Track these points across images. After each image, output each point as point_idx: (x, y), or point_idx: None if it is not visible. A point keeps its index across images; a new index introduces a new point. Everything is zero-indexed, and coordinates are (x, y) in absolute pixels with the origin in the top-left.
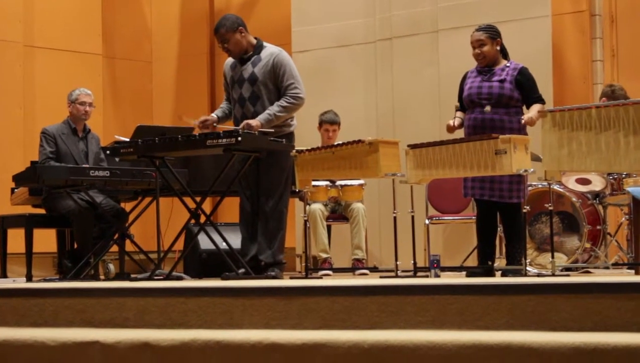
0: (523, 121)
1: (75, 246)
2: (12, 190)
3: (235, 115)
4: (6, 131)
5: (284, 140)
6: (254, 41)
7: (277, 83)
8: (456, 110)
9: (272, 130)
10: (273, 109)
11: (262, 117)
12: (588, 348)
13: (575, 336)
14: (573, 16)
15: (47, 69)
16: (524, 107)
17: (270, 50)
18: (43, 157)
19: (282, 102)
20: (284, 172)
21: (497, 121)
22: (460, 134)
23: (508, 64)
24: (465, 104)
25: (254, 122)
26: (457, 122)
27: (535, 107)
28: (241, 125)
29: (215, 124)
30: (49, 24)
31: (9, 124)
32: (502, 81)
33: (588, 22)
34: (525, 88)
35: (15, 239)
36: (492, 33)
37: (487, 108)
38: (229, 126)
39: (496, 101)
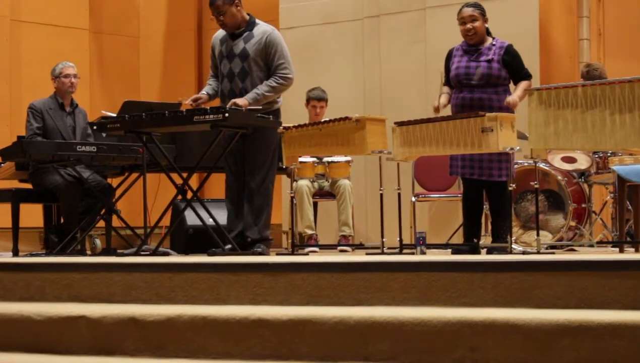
0: (505, 103)
1: (62, 221)
2: None
3: (223, 90)
4: None
5: (271, 116)
6: (247, 17)
7: (267, 61)
8: (442, 85)
9: (260, 107)
10: (261, 89)
11: (250, 96)
12: (572, 325)
13: (560, 313)
14: None
15: (34, 43)
16: (512, 84)
17: (263, 28)
18: (30, 132)
19: (271, 82)
20: (270, 149)
21: (485, 100)
22: (447, 111)
23: (494, 43)
24: (453, 83)
25: (241, 101)
26: (443, 99)
27: (522, 85)
28: (228, 104)
29: (192, 103)
30: None
31: None
32: (489, 61)
33: (575, 0)
34: (513, 66)
35: (2, 214)
36: (482, 10)
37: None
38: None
39: (485, 81)
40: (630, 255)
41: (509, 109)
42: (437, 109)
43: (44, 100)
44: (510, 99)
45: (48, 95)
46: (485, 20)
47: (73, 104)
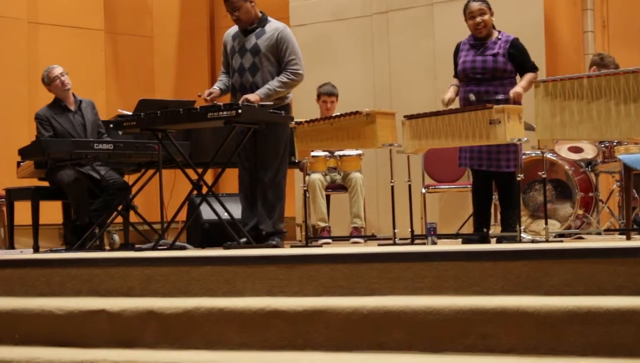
0: (510, 95)
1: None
2: (18, 163)
3: (234, 85)
4: (12, 107)
5: (282, 112)
6: (259, 14)
7: (278, 57)
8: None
9: (271, 103)
10: (273, 84)
11: (262, 91)
12: (581, 311)
13: (569, 300)
14: None
15: (51, 45)
16: (518, 77)
17: (275, 25)
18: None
19: (282, 78)
20: (281, 144)
21: (492, 94)
22: (456, 104)
23: (500, 36)
24: (460, 77)
25: (252, 97)
26: (452, 91)
27: (527, 77)
28: (240, 100)
29: (209, 98)
30: (52, 1)
31: (14, 100)
32: (495, 55)
33: None
34: (518, 59)
35: (22, 211)
36: (488, 4)
37: (472, 97)
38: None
39: (491, 74)
40: (637, 242)
41: (515, 101)
42: (445, 103)
43: (47, 107)
44: (514, 91)
45: (49, 102)
46: (492, 14)
47: (77, 101)
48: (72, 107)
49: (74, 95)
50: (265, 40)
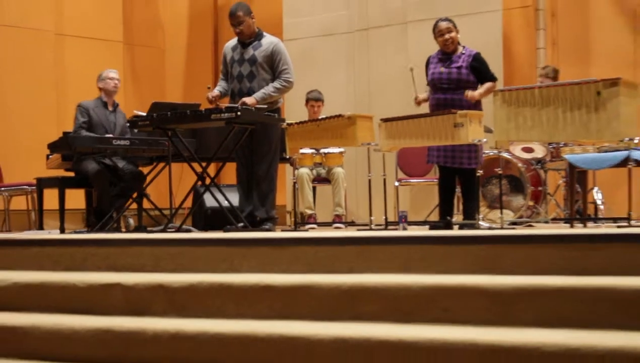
0: (466, 93)
1: (98, 203)
2: (47, 156)
3: (233, 90)
4: (42, 109)
5: (275, 114)
6: (257, 30)
7: (272, 66)
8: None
9: (265, 106)
10: (268, 89)
11: (258, 95)
12: (529, 288)
13: (518, 279)
14: (520, 10)
15: (76, 54)
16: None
17: (270, 39)
18: (77, 126)
19: (276, 84)
20: (273, 141)
21: (456, 100)
22: (425, 108)
23: (464, 51)
24: (430, 86)
25: (249, 100)
26: (426, 95)
27: (485, 85)
28: (239, 103)
29: (213, 99)
30: (77, 15)
31: (44, 102)
32: (459, 68)
33: (533, 15)
34: (480, 71)
35: (50, 198)
36: (454, 23)
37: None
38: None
39: (455, 85)
40: (578, 229)
41: (476, 106)
42: (417, 100)
43: (91, 101)
44: (469, 92)
45: (94, 98)
46: (457, 32)
47: (115, 105)
48: (110, 108)
49: (114, 100)
50: (262, 52)
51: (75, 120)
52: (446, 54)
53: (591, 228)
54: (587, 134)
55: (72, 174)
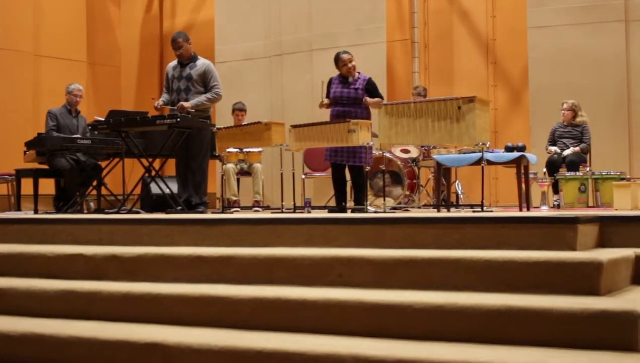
0: (364, 100)
1: (65, 190)
2: (25, 152)
3: (173, 101)
4: (20, 114)
5: (208, 120)
6: (192, 53)
7: (205, 82)
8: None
9: (201, 112)
10: (201, 98)
11: (193, 102)
12: (405, 259)
13: (397, 252)
14: (400, 42)
15: (49, 71)
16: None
17: (202, 61)
18: (48, 128)
19: (208, 95)
20: (205, 142)
21: (352, 113)
22: (326, 115)
23: (359, 76)
24: (331, 101)
25: (186, 104)
26: (327, 101)
27: (376, 99)
28: (177, 106)
29: (159, 106)
30: (50, 39)
31: (22, 109)
32: (356, 89)
33: (410, 46)
34: (371, 92)
35: (27, 185)
36: (351, 54)
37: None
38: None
39: (353, 101)
40: (443, 214)
41: (368, 117)
42: (322, 105)
43: (58, 108)
44: (367, 99)
45: (61, 105)
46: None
47: (77, 111)
48: (73, 113)
49: (77, 108)
50: (197, 71)
51: (47, 124)
52: (345, 78)
53: (453, 213)
54: (450, 139)
55: (44, 166)
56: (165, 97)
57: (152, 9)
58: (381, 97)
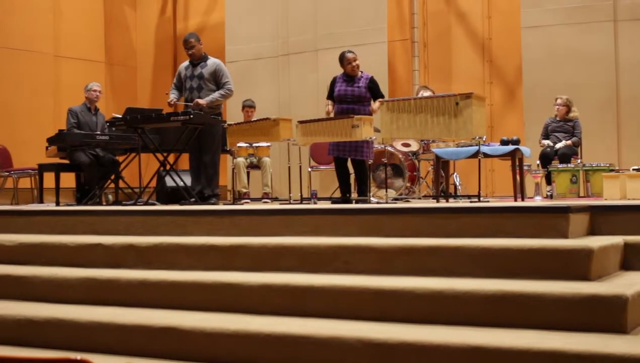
0: (371, 109)
1: (85, 184)
2: (46, 148)
3: (186, 98)
4: (42, 112)
5: (219, 117)
6: (203, 53)
7: (216, 80)
8: (327, 98)
9: (211, 109)
10: (215, 95)
11: (208, 98)
12: (406, 247)
13: (398, 240)
14: (401, 42)
15: (68, 71)
16: (372, 101)
17: (213, 60)
18: (69, 125)
19: (221, 91)
20: (217, 137)
21: (355, 110)
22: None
23: (362, 75)
24: (336, 98)
25: (202, 101)
26: (331, 106)
27: (377, 102)
28: (194, 103)
29: (174, 103)
30: (71, 40)
31: (44, 107)
32: (359, 87)
33: (410, 46)
34: (374, 90)
35: (49, 179)
36: (355, 53)
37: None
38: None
39: (357, 99)
40: (442, 204)
41: (371, 114)
42: (327, 113)
43: (78, 106)
44: (373, 107)
45: (80, 103)
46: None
47: (96, 109)
48: (93, 111)
49: (96, 105)
50: (208, 70)
51: (67, 121)
52: (350, 76)
53: (451, 203)
54: (448, 134)
55: (65, 161)
56: (175, 93)
57: (166, 12)
58: (382, 96)
